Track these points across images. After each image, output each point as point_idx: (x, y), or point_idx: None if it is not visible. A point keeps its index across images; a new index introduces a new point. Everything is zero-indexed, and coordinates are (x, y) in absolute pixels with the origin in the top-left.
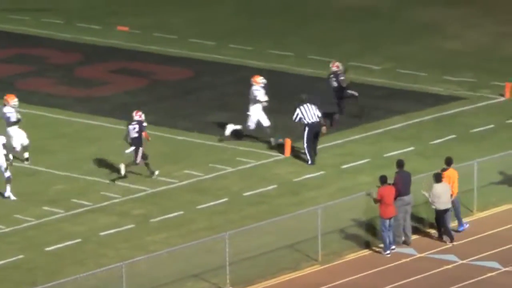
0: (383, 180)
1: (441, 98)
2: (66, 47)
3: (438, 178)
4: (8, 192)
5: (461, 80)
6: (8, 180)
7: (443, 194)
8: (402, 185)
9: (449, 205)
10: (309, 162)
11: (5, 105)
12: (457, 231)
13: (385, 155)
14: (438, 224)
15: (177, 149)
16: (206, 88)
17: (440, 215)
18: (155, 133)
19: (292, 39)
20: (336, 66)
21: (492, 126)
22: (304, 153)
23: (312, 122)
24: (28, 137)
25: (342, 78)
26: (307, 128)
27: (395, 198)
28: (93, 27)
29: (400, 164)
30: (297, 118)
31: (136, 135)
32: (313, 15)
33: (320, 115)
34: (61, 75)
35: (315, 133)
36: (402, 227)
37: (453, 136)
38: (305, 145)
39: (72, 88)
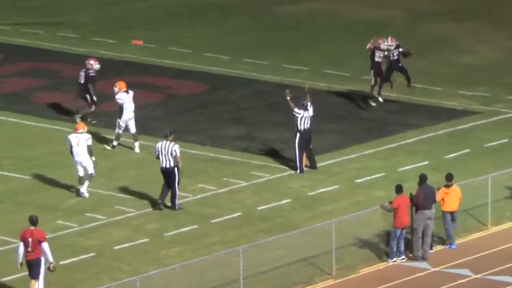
0: (398, 189)
1: (455, 112)
2: (81, 61)
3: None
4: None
5: (476, 95)
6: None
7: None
8: (424, 200)
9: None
10: (298, 171)
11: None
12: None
13: (399, 170)
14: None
15: (191, 163)
16: (221, 102)
17: None
18: None
19: (306, 54)
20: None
21: (506, 140)
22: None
23: (304, 129)
24: (43, 151)
25: (401, 49)
26: (298, 135)
27: (415, 212)
28: (107, 41)
29: (422, 178)
30: (296, 116)
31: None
32: (326, 29)
33: (309, 124)
34: (76, 89)
35: (307, 140)
36: (421, 241)
37: (467, 150)
38: (297, 152)
39: (87, 102)
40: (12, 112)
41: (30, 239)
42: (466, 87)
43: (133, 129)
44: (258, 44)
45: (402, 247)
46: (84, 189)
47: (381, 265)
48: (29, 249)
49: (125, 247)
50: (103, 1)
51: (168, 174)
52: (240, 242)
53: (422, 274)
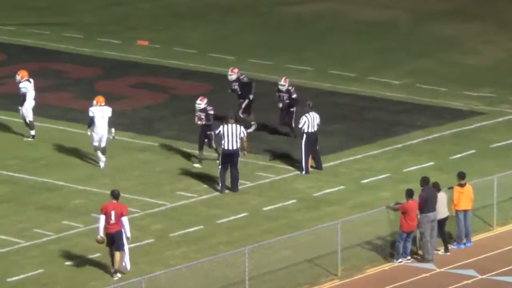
0: (409, 193)
1: (461, 113)
2: (86, 61)
3: (438, 187)
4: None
5: (481, 95)
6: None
7: (442, 204)
8: (426, 202)
9: (447, 214)
10: (303, 172)
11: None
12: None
13: (404, 170)
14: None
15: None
16: (226, 102)
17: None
18: (175, 148)
19: (310, 54)
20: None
21: (511, 141)
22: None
23: (311, 132)
24: (48, 151)
25: (294, 96)
26: (305, 136)
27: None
28: (113, 42)
29: (424, 181)
30: (303, 126)
31: None
32: (330, 30)
33: (319, 124)
34: (81, 89)
35: (313, 141)
36: (429, 243)
37: (473, 151)
38: (304, 154)
39: (92, 103)
40: (17, 113)
41: (113, 212)
42: (471, 87)
43: (31, 118)
44: (263, 44)
45: (409, 249)
46: (102, 161)
47: (387, 266)
48: (112, 221)
49: (131, 248)
50: (109, 2)
51: (232, 156)
52: (245, 242)
53: (427, 274)
